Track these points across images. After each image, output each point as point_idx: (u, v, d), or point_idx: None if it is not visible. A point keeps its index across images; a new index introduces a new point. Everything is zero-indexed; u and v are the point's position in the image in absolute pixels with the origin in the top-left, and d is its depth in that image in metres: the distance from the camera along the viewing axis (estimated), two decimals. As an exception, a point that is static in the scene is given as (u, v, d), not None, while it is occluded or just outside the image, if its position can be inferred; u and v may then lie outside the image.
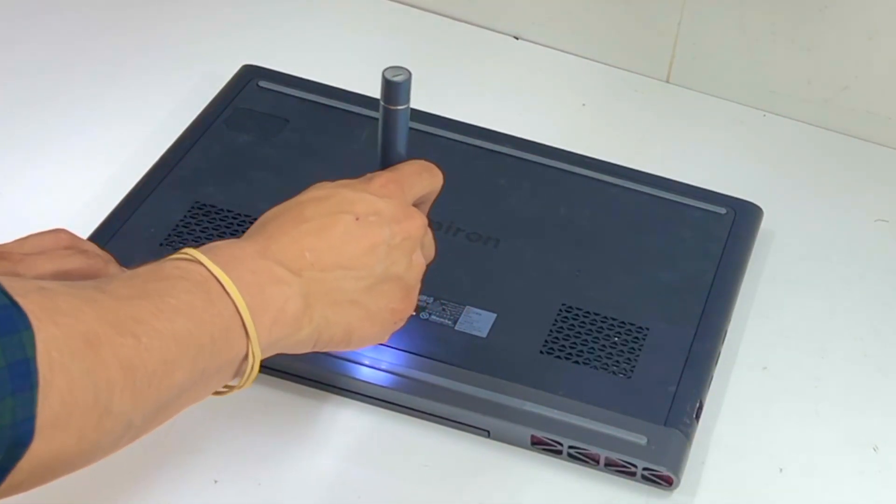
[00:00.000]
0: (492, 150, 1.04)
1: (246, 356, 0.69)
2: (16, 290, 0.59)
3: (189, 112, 1.06)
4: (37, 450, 0.59)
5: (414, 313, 0.80)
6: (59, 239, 0.82)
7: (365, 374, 0.88)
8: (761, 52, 1.13)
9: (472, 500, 0.84)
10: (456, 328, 0.90)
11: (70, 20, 1.18)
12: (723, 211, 1.01)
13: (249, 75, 1.09)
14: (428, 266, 0.81)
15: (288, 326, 0.71)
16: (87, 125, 1.08)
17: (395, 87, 0.79)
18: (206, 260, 0.69)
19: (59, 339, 0.59)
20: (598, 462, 0.85)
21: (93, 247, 0.84)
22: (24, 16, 1.18)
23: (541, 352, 0.89)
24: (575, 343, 0.90)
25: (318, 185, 0.78)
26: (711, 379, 0.91)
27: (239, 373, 0.70)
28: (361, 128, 1.05)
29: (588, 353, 0.90)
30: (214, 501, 0.83)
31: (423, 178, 0.81)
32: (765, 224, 1.02)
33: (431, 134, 1.05)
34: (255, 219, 0.76)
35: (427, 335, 0.90)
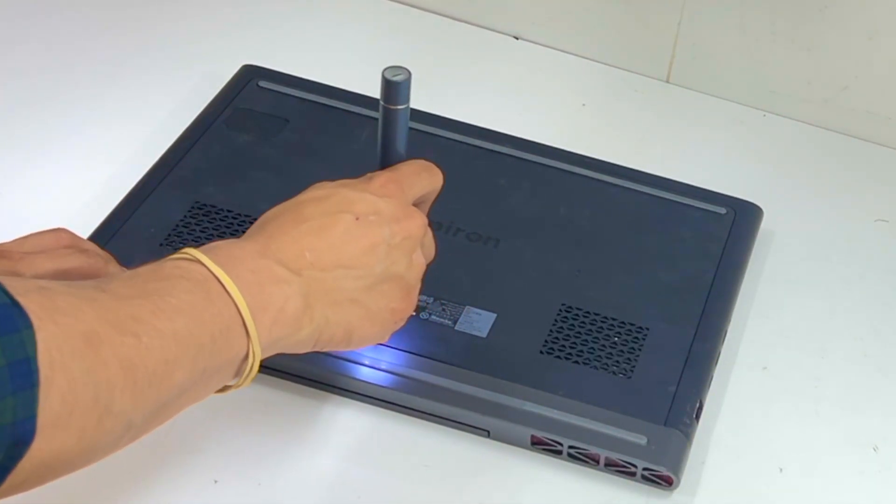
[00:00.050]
0: (492, 150, 1.04)
1: (246, 356, 0.69)
2: (16, 289, 0.59)
3: (189, 112, 1.06)
4: (37, 449, 0.59)
5: (414, 313, 0.80)
6: (60, 238, 0.82)
7: (365, 374, 0.88)
8: (761, 52, 1.13)
9: (472, 500, 0.84)
10: (456, 328, 0.90)
11: (70, 20, 1.18)
12: (723, 211, 1.01)
13: (249, 75, 1.09)
14: (428, 266, 0.81)
15: (288, 326, 0.71)
16: (87, 125, 1.08)
17: (394, 87, 0.79)
18: (206, 259, 0.69)
19: (60, 338, 0.59)
20: (598, 462, 0.85)
21: (93, 246, 0.84)
22: (24, 16, 1.18)
23: (541, 352, 0.89)
24: (575, 343, 0.90)
25: (318, 184, 0.78)
26: (711, 379, 0.91)
27: (239, 372, 0.70)
28: (361, 128, 1.05)
29: (588, 353, 0.90)
30: (214, 501, 0.83)
31: (423, 178, 0.81)
32: (765, 224, 1.02)
33: (431, 134, 1.05)
34: (255, 219, 0.76)
35: (427, 335, 0.90)
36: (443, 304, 0.91)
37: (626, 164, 1.04)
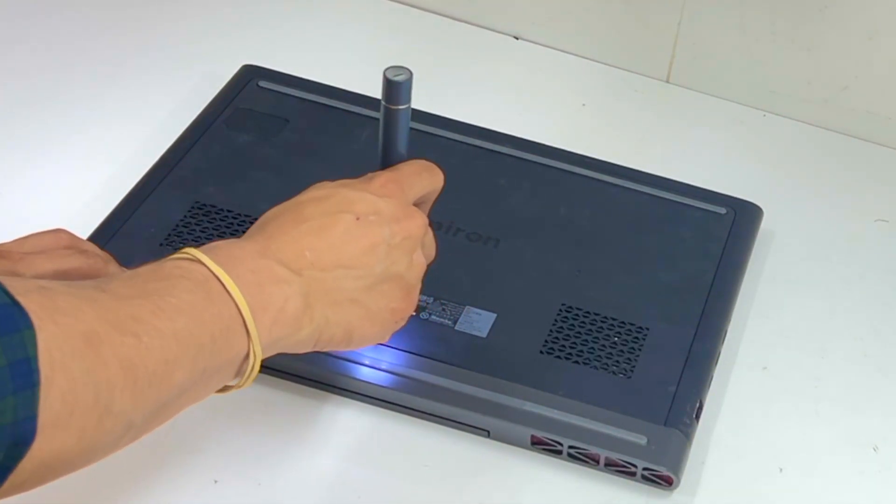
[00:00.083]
0: (492, 150, 1.04)
1: (247, 356, 0.69)
2: (16, 289, 0.59)
3: (189, 112, 1.06)
4: (38, 449, 0.59)
5: (414, 313, 0.80)
6: (59, 239, 0.82)
7: (365, 374, 0.88)
8: (761, 52, 1.13)
9: (472, 500, 0.84)
10: (456, 328, 0.90)
11: (70, 20, 1.18)
12: (723, 211, 1.01)
13: (249, 75, 1.09)
14: (428, 266, 0.81)
15: (288, 326, 0.71)
16: (87, 125, 1.08)
17: (396, 87, 0.79)
18: (206, 259, 0.69)
19: (60, 338, 0.59)
20: (598, 462, 0.85)
21: (92, 247, 0.84)
22: (24, 16, 1.18)
23: (541, 352, 0.89)
24: (575, 343, 0.90)
25: (319, 184, 0.78)
26: (711, 379, 0.91)
27: (240, 373, 0.70)
28: (361, 128, 1.05)
29: (588, 353, 0.90)
30: (214, 501, 0.83)
31: (424, 178, 0.81)
32: (765, 224, 1.02)
33: (431, 134, 1.05)
34: (255, 219, 0.76)
35: (427, 335, 0.90)
36: (443, 304, 0.91)
37: (626, 164, 1.04)
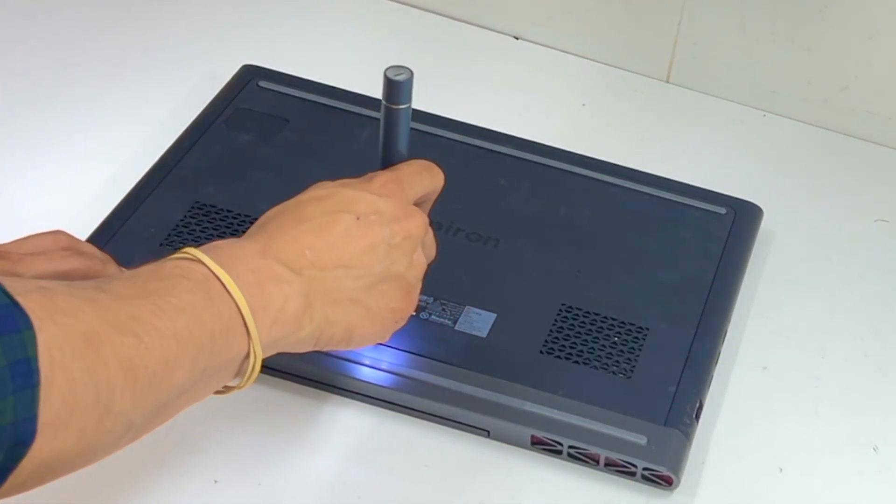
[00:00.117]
0: (492, 150, 1.04)
1: (247, 355, 0.69)
2: (16, 289, 0.59)
3: (189, 112, 1.06)
4: (38, 449, 0.59)
5: (414, 313, 0.80)
6: (58, 240, 0.82)
7: (365, 374, 0.88)
8: (761, 52, 1.13)
9: (472, 500, 0.84)
10: (456, 328, 0.90)
11: (70, 20, 1.18)
12: (723, 211, 1.01)
13: (249, 75, 1.09)
14: (429, 265, 0.81)
15: (289, 325, 0.71)
16: (87, 125, 1.08)
17: (396, 87, 0.79)
18: (206, 259, 0.69)
19: (60, 338, 0.59)
20: (598, 462, 0.85)
21: (91, 248, 0.84)
22: (24, 16, 1.18)
23: (541, 352, 0.89)
24: (575, 343, 0.90)
25: (319, 184, 0.78)
26: (711, 379, 0.91)
27: (240, 372, 0.70)
28: (361, 128, 1.05)
29: (588, 353, 0.90)
30: (214, 501, 0.83)
31: (424, 178, 0.81)
32: (765, 224, 1.02)
33: (431, 134, 1.05)
34: (255, 219, 0.76)
35: (427, 335, 0.90)
36: (443, 304, 0.91)
37: (626, 164, 1.04)
